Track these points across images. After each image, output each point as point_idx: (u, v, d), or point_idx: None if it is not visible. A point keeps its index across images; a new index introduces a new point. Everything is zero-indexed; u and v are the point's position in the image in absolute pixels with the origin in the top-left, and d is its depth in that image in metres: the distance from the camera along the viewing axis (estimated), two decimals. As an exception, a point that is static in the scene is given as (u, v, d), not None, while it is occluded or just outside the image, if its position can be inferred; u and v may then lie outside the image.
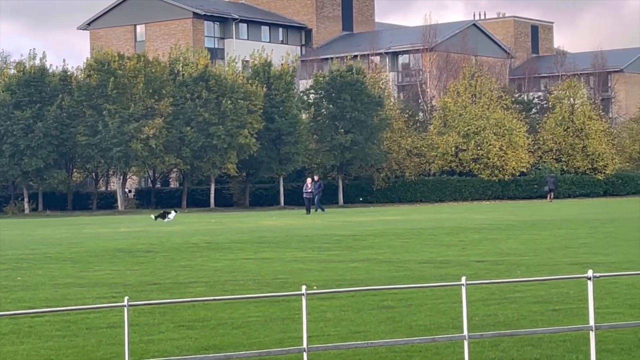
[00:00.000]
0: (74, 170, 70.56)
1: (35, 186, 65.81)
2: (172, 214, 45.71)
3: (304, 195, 53.35)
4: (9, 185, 68.50)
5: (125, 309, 8.39)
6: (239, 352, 10.80)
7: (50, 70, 66.57)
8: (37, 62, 65.80)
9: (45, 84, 64.97)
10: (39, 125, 63.13)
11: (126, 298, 8.63)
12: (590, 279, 9.57)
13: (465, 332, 9.34)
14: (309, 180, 54.35)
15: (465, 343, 9.33)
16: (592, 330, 9.61)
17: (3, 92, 64.62)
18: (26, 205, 65.69)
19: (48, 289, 19.44)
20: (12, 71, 68.13)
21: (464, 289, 9.28)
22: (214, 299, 9.93)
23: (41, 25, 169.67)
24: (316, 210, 53.04)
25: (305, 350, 8.85)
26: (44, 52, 69.43)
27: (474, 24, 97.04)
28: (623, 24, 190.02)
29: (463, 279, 9.37)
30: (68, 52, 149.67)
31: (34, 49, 76.94)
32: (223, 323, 14.93)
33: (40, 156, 63.42)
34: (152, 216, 47.07)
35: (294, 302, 16.27)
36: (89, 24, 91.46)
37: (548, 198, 71.06)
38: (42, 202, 66.96)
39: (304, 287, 9.14)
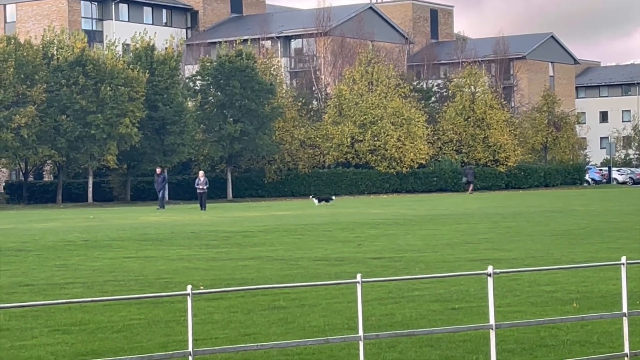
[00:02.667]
0: (-63, 162, 68.94)
1: None
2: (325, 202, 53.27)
3: (198, 191, 52.85)
4: None
5: (-5, 312, 8.24)
6: (119, 357, 10.73)
7: None
8: None
9: None
10: None
11: (-5, 300, 8.48)
12: (490, 275, 9.76)
13: (361, 333, 9.43)
14: (201, 173, 54.02)
15: (361, 344, 9.43)
16: (492, 329, 9.80)
17: None
18: None
19: None
20: None
21: (359, 287, 9.37)
22: (92, 301, 9.84)
23: None
24: (160, 207, 52.82)
25: (190, 354, 8.83)
26: None
27: (370, 7, 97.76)
28: (530, 8, 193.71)
29: (358, 276, 9.46)
30: None
31: None
32: (102, 327, 14.80)
33: None
34: (315, 201, 53.31)
35: (178, 304, 16.21)
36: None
37: (469, 190, 73.02)
38: None
39: (189, 286, 9.12)
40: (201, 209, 50.67)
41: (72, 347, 13.46)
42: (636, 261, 11.14)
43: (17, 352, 13.04)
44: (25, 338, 14.05)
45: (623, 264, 10.44)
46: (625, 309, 10.45)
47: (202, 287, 18.18)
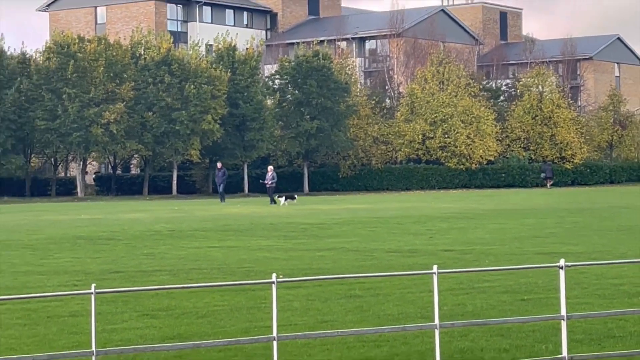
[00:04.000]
0: (32, 155, 70.00)
1: (-8, 172, 65.32)
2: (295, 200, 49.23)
3: (266, 185, 52.53)
4: (-36, 170, 67.88)
5: (93, 297, 8.37)
6: (206, 341, 10.81)
7: (8, 53, 65.98)
8: (-5, 44, 65.26)
9: (3, 67, 64.40)
10: (-4, 109, 62.69)
11: (93, 285, 8.61)
12: (562, 268, 9.66)
13: (437, 322, 9.41)
14: (269, 168, 53.75)
15: (436, 332, 9.40)
16: (563, 319, 9.70)
17: (-41, 74, 64.01)
18: (-17, 191, 65.21)
19: (7, 276, 19.34)
20: (-31, 53, 67.40)
21: (435, 277, 9.34)
22: (179, 287, 9.94)
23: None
24: (222, 201, 52.76)
25: (274, 339, 8.88)
26: (1, 34, 68.72)
27: (442, 10, 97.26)
28: (597, 10, 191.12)
29: (434, 267, 9.43)
30: (27, 34, 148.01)
31: (-9, 30, 76.22)
32: (187, 312, 14.92)
33: (-2, 141, 63.00)
34: (281, 200, 49.10)
35: (259, 291, 16.29)
36: (48, 5, 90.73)
37: (547, 185, 73.31)
38: (-1, 188, 66.49)
39: (274, 275, 9.16)
40: (271, 203, 49.77)
41: (159, 330, 13.60)
42: None
43: (108, 335, 13.20)
44: (116, 322, 14.22)
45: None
46: (692, 303, 10.29)
47: (281, 276, 18.23)
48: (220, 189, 54.70)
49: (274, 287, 8.96)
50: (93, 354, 8.48)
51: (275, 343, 8.90)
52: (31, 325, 14.02)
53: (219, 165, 57.01)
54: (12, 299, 12.20)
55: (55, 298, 15.60)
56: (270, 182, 51.54)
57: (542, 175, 75.98)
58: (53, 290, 17.00)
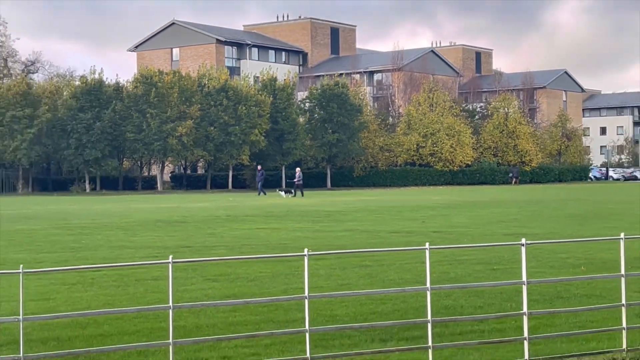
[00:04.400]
0: (124, 159, 70.33)
1: (94, 171, 65.63)
2: (289, 194, 47.81)
3: (295, 182, 52.31)
4: (73, 170, 68.27)
5: (170, 266, 8.40)
6: (255, 299, 10.81)
7: (106, 82, 66.30)
8: (96, 76, 65.56)
9: (102, 93, 64.75)
10: (97, 124, 62.98)
11: (170, 257, 8.63)
12: (523, 245, 9.62)
13: (428, 285, 9.38)
14: (297, 169, 53.63)
15: (428, 293, 9.37)
16: (524, 284, 9.66)
17: (70, 98, 64.47)
18: (87, 186, 65.56)
19: (105, 250, 19.44)
20: (77, 83, 67.86)
21: (427, 252, 9.31)
22: (234, 258, 9.95)
23: (100, 47, 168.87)
24: (259, 194, 52.44)
25: (306, 298, 8.88)
26: (101, 68, 69.40)
27: (431, 51, 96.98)
28: (552, 51, 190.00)
29: (426, 244, 9.40)
30: (120, 68, 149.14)
31: (94, 65, 76.70)
32: (240, 277, 14.93)
33: (98, 148, 63.30)
34: (282, 193, 48.09)
35: (295, 262, 16.28)
36: (136, 47, 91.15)
37: (513, 182, 73.38)
38: (99, 184, 66.81)
39: (305, 249, 9.16)
40: (295, 195, 49.69)
41: (219, 291, 13.62)
42: (631, 236, 10.85)
43: (181, 294, 13.24)
44: (187, 284, 14.25)
45: (622, 238, 10.20)
46: (622, 271, 10.21)
47: (310, 250, 18.17)
48: (259, 185, 54.92)
49: (305, 258, 8.96)
50: (170, 308, 8.51)
51: (306, 301, 8.90)
52: (123, 286, 14.08)
53: (258, 167, 57.50)
54: (109, 267, 12.26)
55: (141, 266, 15.66)
56: (297, 180, 51.65)
57: (510, 174, 75.88)
58: (140, 260, 17.07)
